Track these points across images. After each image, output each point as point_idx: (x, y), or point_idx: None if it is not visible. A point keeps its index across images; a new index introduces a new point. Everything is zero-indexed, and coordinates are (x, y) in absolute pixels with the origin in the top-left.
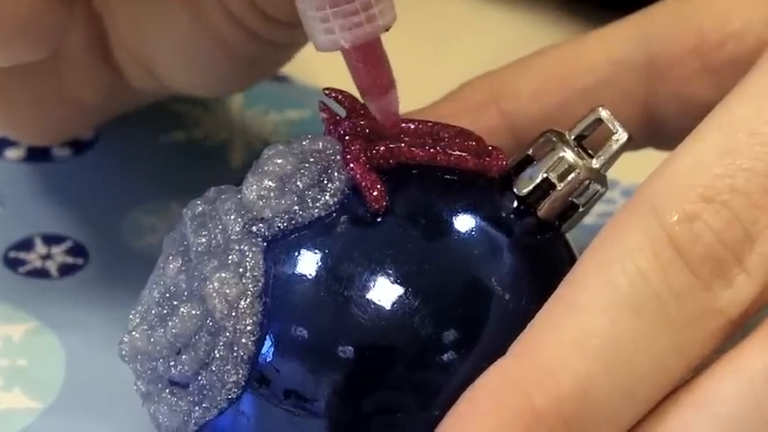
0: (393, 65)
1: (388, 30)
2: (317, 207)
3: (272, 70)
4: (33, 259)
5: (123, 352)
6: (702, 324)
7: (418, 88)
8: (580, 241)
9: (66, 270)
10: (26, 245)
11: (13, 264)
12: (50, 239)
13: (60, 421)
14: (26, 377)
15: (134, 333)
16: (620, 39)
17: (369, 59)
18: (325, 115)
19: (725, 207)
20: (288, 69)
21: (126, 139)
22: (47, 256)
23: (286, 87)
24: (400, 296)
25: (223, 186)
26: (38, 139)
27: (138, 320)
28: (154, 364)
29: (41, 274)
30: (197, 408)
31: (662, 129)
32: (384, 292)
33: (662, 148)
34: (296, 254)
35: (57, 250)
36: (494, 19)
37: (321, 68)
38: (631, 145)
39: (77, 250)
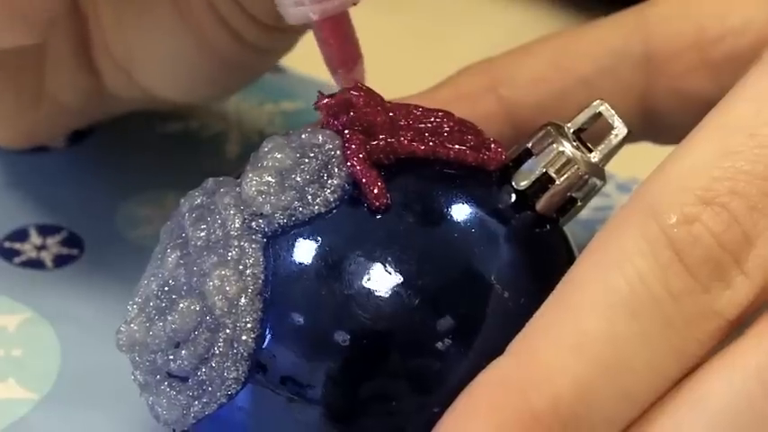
0: (391, 54)
1: (355, 4)
2: (317, 203)
3: (254, 77)
4: (28, 250)
5: (120, 342)
6: (700, 326)
7: (416, 77)
8: (575, 234)
9: (60, 261)
10: (21, 235)
11: (8, 254)
12: (45, 230)
13: (56, 411)
14: (21, 367)
15: (132, 325)
16: (619, 30)
17: (337, 33)
18: (322, 104)
19: (724, 209)
20: (283, 61)
21: (122, 130)
22: (42, 247)
23: (281, 78)
24: (397, 285)
25: (221, 178)
26: (13, 140)
27: (135, 312)
28: (152, 356)
29: (36, 264)
30: (196, 402)
31: (659, 122)
32: (382, 281)
33: (658, 142)
34: (296, 250)
35: (51, 241)
36: (492, 9)
37: (317, 60)
38: (630, 138)
39: (72, 241)
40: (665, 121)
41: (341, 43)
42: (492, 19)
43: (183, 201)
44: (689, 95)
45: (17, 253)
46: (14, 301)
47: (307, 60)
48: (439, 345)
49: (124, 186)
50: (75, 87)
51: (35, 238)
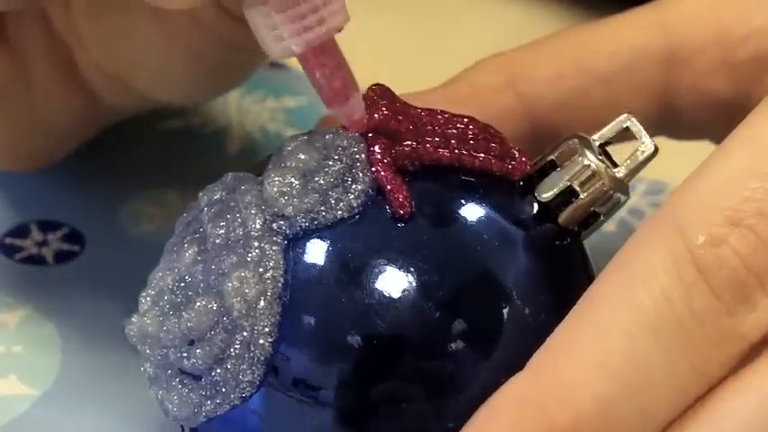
0: (392, 53)
1: (340, 31)
2: (340, 208)
3: (249, 72)
4: (29, 246)
5: (131, 333)
6: (723, 348)
7: (417, 75)
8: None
9: (61, 257)
10: (22, 231)
11: (9, 250)
12: (46, 226)
13: (56, 408)
14: (22, 364)
15: (145, 318)
16: (641, 26)
17: (324, 63)
18: None
19: (751, 232)
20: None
21: (123, 126)
22: (43, 243)
23: (284, 75)
24: (416, 292)
25: (241, 174)
26: (13, 165)
27: (149, 304)
28: (165, 351)
29: (37, 260)
30: (209, 402)
31: (676, 119)
32: (400, 288)
33: (674, 137)
34: (316, 254)
35: (53, 237)
36: (494, 7)
37: None
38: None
39: (73, 237)
40: (682, 118)
41: (330, 75)
42: (494, 17)
43: (201, 194)
44: (708, 94)
45: (18, 249)
46: (15, 298)
47: None
48: (452, 347)
49: (125, 183)
50: (68, 108)
51: (36, 235)
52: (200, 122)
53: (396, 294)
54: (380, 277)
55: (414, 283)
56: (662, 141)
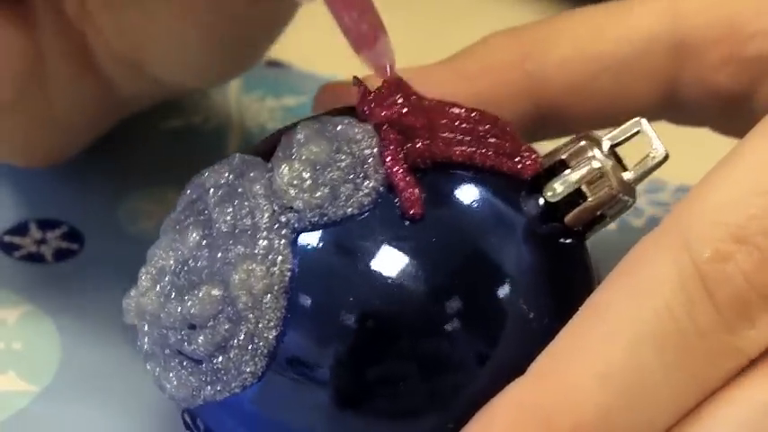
0: (396, 52)
1: None
2: (350, 205)
3: (261, 52)
4: (28, 244)
5: (129, 308)
6: (722, 362)
7: None
8: None
9: (61, 255)
10: (21, 229)
11: (8, 248)
12: (45, 224)
13: (55, 404)
14: (21, 360)
15: (145, 297)
16: (653, 14)
17: (351, 6)
18: (359, 92)
19: (757, 249)
20: (286, 56)
21: (123, 124)
22: (42, 241)
23: (284, 74)
24: (417, 283)
25: (248, 157)
26: (30, 163)
27: (149, 282)
28: (164, 331)
29: (36, 258)
30: (209, 387)
31: (679, 106)
32: (402, 278)
33: (674, 123)
34: (323, 250)
35: (52, 235)
36: (498, 7)
37: (320, 56)
38: (648, 117)
39: (72, 235)
40: (686, 106)
41: (356, 17)
42: (495, 17)
43: (207, 174)
44: (714, 88)
45: (17, 247)
46: (15, 295)
47: (309, 56)
48: (449, 329)
49: (125, 181)
50: (85, 102)
51: (35, 233)
52: (200, 121)
53: (401, 288)
54: (386, 271)
55: (419, 278)
56: (663, 141)
